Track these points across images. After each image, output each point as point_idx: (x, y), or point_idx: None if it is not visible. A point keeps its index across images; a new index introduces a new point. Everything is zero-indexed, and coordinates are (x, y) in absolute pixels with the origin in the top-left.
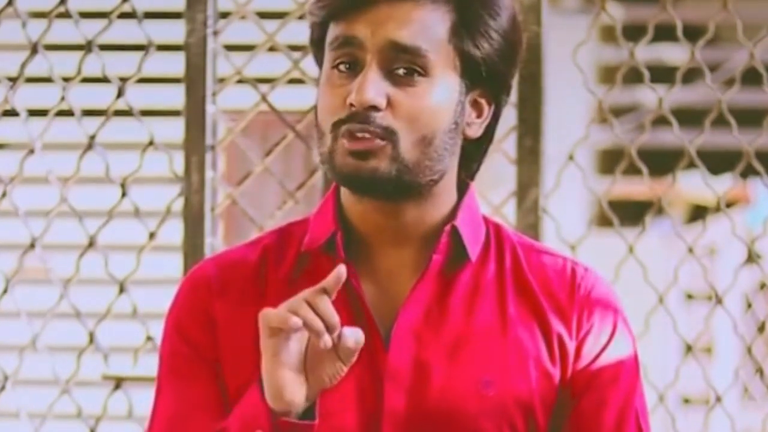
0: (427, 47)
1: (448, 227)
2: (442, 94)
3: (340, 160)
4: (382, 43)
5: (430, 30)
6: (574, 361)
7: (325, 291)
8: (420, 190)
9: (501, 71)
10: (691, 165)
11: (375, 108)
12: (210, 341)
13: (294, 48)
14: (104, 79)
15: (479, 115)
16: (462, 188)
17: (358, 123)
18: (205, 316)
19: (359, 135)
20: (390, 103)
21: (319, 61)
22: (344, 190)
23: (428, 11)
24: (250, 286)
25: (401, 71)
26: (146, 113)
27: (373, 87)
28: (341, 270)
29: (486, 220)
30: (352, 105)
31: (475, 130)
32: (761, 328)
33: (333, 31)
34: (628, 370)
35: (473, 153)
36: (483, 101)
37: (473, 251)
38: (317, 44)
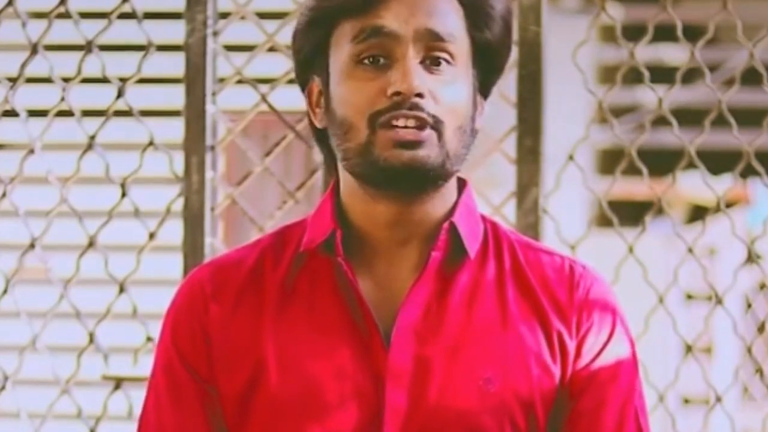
0: (453, 33)
1: (446, 224)
2: (465, 82)
3: (385, 151)
4: (419, 32)
5: (452, 19)
6: (574, 360)
7: None
8: (448, 180)
9: (505, 57)
10: (691, 165)
11: (420, 96)
12: (204, 358)
13: None
14: (104, 80)
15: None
16: (459, 186)
17: (409, 110)
18: (200, 331)
19: (403, 124)
20: (429, 92)
21: (314, 64)
22: (349, 189)
23: (445, 2)
24: (247, 288)
25: (428, 61)
26: (146, 113)
27: (418, 75)
28: None
29: (483, 218)
30: (396, 94)
31: (479, 123)
32: (761, 328)
33: (354, 26)
34: (627, 369)
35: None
36: (478, 96)
37: (472, 249)
38: (316, 46)
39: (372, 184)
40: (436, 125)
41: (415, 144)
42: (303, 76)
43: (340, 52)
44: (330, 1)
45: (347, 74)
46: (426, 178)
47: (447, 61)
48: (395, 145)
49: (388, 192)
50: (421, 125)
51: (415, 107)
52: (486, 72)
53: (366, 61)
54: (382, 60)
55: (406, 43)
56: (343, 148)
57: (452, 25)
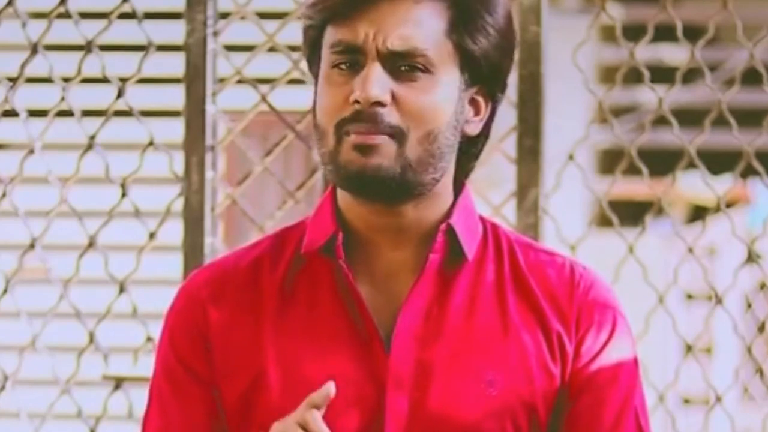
0: (426, 46)
1: (443, 226)
2: (443, 89)
3: (345, 156)
4: (381, 49)
5: (429, 27)
6: (573, 360)
7: (315, 406)
8: (421, 189)
9: (498, 67)
10: (691, 165)
11: (380, 104)
12: (203, 361)
13: (294, 48)
14: (104, 80)
15: (477, 113)
16: (457, 187)
17: (365, 122)
18: (198, 335)
19: (363, 131)
20: (395, 99)
21: (314, 62)
22: (342, 192)
23: (427, 8)
24: (245, 291)
25: (403, 68)
26: (146, 113)
27: (377, 83)
28: (330, 388)
29: (482, 219)
30: (356, 102)
31: (474, 128)
32: (761, 328)
33: (333, 35)
34: (627, 369)
35: (469, 151)
36: (480, 99)
37: (470, 250)
38: (312, 46)
39: (343, 190)
40: (396, 135)
41: (368, 149)
42: (313, 73)
43: (324, 57)
44: (314, 11)
45: (325, 77)
46: (383, 187)
47: (422, 70)
48: (353, 148)
49: (359, 200)
50: (378, 132)
51: (373, 118)
52: (482, 77)
53: (342, 66)
54: (357, 66)
55: (372, 55)
56: (320, 153)
57: (426, 36)
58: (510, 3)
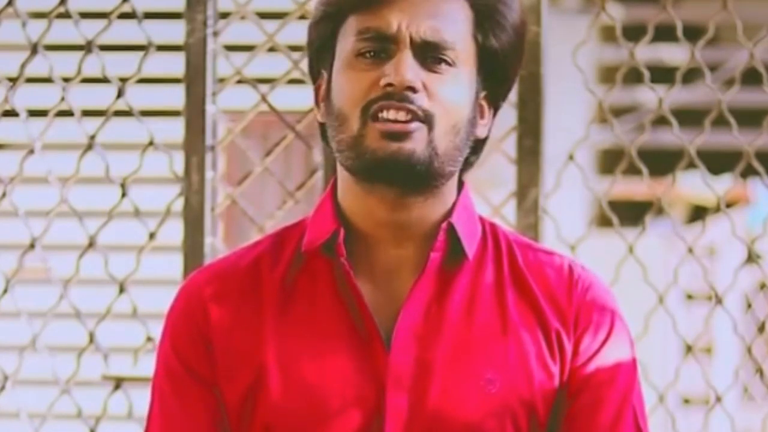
0: (454, 39)
1: (444, 224)
2: (464, 85)
3: (374, 143)
4: (415, 39)
5: (456, 23)
6: (571, 359)
7: None
8: (438, 182)
9: (513, 66)
10: (691, 165)
11: (412, 89)
12: (204, 360)
13: (294, 48)
14: (104, 79)
15: (482, 117)
16: (458, 187)
17: (400, 101)
18: (199, 334)
19: (393, 117)
20: (425, 87)
21: (324, 55)
22: (346, 186)
23: (453, 5)
24: (245, 291)
25: (430, 59)
26: (146, 113)
27: (412, 69)
28: None
29: (481, 219)
30: (389, 85)
31: (482, 131)
32: (761, 328)
33: (359, 23)
34: (625, 370)
35: (470, 154)
36: (485, 104)
37: (470, 249)
38: (325, 38)
39: (362, 177)
40: (427, 119)
41: (402, 135)
42: (314, 71)
43: (344, 45)
44: None
45: (347, 65)
46: (413, 173)
47: (447, 63)
48: (383, 136)
49: (378, 186)
50: (411, 118)
51: (406, 99)
52: (493, 80)
53: (367, 54)
54: (383, 54)
55: (405, 43)
56: (337, 140)
57: (454, 31)
58: (521, 2)
